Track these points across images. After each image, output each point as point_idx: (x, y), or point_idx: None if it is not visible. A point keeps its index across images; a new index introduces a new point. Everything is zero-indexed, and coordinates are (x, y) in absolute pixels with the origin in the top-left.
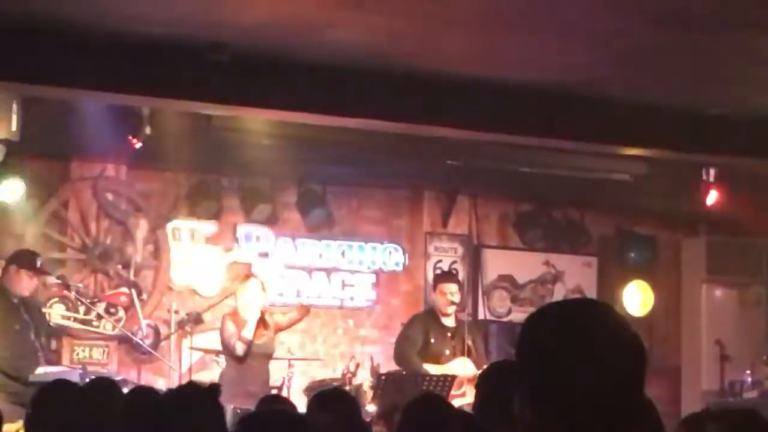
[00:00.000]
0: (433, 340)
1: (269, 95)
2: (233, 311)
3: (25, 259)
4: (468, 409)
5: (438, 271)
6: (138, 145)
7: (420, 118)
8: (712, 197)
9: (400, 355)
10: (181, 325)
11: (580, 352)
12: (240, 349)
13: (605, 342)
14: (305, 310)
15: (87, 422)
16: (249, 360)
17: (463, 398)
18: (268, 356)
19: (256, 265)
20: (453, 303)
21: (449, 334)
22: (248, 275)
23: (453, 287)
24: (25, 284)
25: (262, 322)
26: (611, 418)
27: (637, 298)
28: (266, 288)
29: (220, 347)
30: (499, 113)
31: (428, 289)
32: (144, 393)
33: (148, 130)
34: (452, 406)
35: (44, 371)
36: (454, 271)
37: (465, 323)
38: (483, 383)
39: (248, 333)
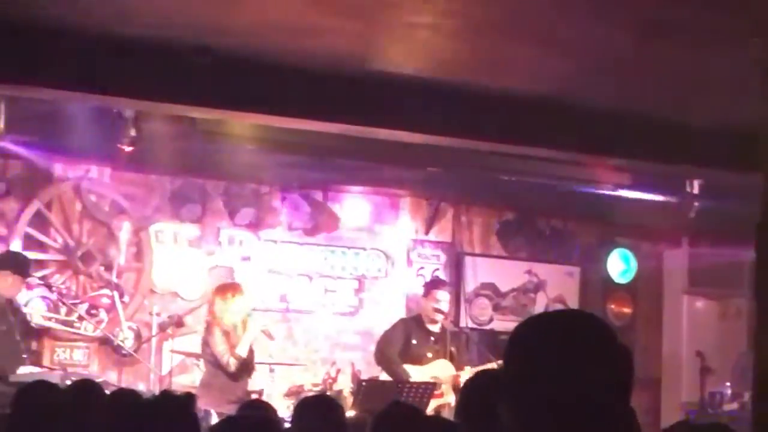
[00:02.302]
0: (414, 342)
1: (253, 99)
2: (217, 320)
3: (19, 265)
4: (446, 411)
5: (432, 277)
6: (128, 149)
7: (402, 125)
8: (695, 209)
9: (379, 353)
10: (162, 327)
11: (567, 362)
12: (233, 366)
13: (592, 353)
14: (268, 336)
15: (68, 424)
16: (233, 380)
17: (442, 398)
18: (249, 373)
19: (239, 269)
20: (441, 311)
21: (432, 339)
22: (236, 287)
23: (445, 295)
24: (15, 288)
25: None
26: (596, 427)
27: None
28: (249, 303)
29: (200, 350)
30: (483, 121)
31: (410, 297)
32: (125, 396)
33: (132, 132)
34: (425, 415)
35: (25, 372)
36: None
37: (448, 331)
38: (466, 390)
39: (243, 351)
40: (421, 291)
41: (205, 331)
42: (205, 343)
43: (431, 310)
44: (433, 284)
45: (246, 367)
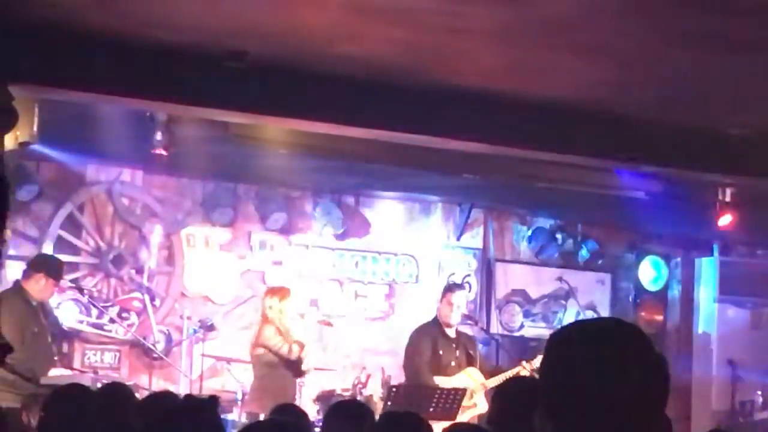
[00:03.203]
0: (441, 351)
1: (287, 104)
2: (270, 320)
3: (53, 269)
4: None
5: (448, 282)
6: (161, 153)
7: (437, 131)
8: (727, 218)
9: (409, 367)
10: (193, 331)
11: (604, 371)
12: (296, 351)
13: (628, 362)
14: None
15: (100, 426)
16: (282, 370)
17: (475, 409)
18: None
19: (270, 273)
20: (458, 314)
21: (453, 345)
22: (288, 290)
23: (460, 298)
24: (48, 291)
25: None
26: None
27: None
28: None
29: (230, 354)
30: (516, 128)
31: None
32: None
33: (165, 136)
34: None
35: (56, 374)
36: (466, 284)
37: (465, 335)
38: (500, 398)
39: (302, 337)
40: None
41: (256, 334)
42: (257, 344)
43: (448, 313)
44: (449, 288)
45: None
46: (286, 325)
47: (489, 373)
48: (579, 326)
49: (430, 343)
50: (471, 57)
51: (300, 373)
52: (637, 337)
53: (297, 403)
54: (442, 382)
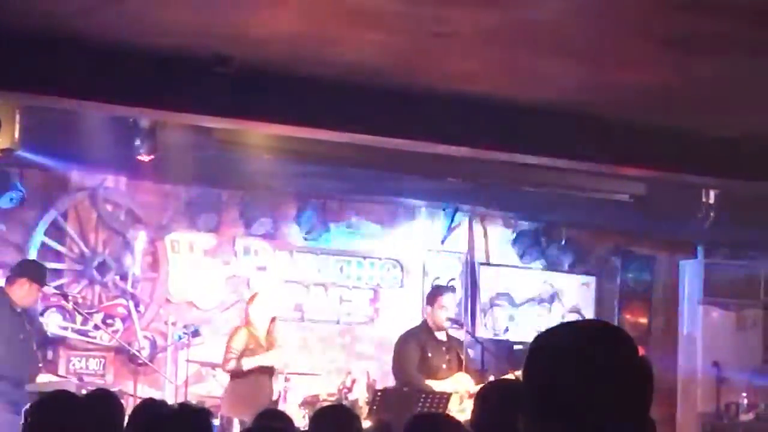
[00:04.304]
0: (430, 354)
1: (272, 109)
2: (245, 323)
3: (36, 273)
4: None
5: (433, 286)
6: (145, 159)
7: (420, 135)
8: (711, 219)
9: (399, 371)
10: (178, 337)
11: (588, 373)
12: (229, 365)
13: (613, 364)
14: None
15: None
16: (255, 374)
17: (463, 414)
18: (273, 370)
19: (254, 278)
20: (450, 317)
21: (444, 348)
22: (255, 294)
23: (450, 300)
24: (32, 296)
25: (269, 338)
26: None
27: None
28: (272, 300)
29: (216, 360)
30: (500, 131)
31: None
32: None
33: (149, 142)
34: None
35: (41, 381)
36: (451, 287)
37: (456, 339)
38: (482, 400)
39: (269, 340)
40: None
41: (231, 336)
42: (229, 348)
43: (441, 317)
44: (437, 291)
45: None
46: (254, 328)
47: (478, 378)
48: (563, 328)
49: (418, 348)
50: (454, 61)
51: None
52: (620, 339)
53: (282, 408)
54: (433, 385)
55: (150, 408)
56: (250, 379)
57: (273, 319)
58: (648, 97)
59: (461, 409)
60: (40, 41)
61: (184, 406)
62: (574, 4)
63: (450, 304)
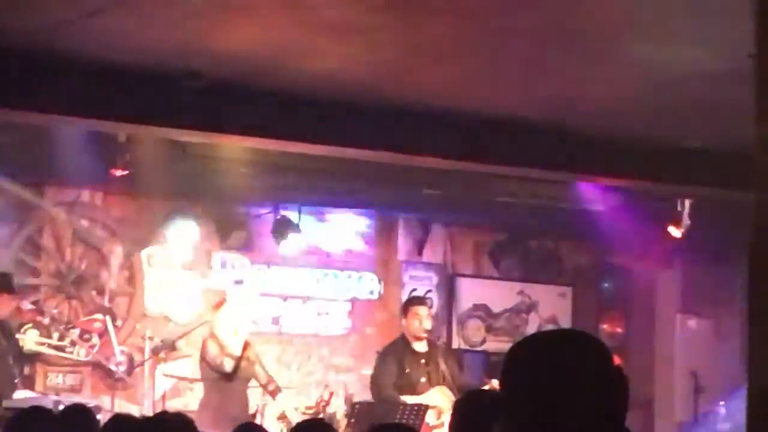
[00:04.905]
0: (408, 369)
1: (245, 123)
2: (212, 335)
3: (3, 281)
4: None
5: (408, 296)
6: (120, 173)
7: (397, 147)
8: (687, 229)
9: (375, 390)
10: (155, 351)
11: (563, 383)
12: (228, 365)
13: (588, 374)
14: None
15: None
16: (231, 383)
17: (442, 429)
18: (248, 380)
19: (231, 292)
20: (425, 327)
21: (423, 361)
22: (221, 301)
23: (424, 310)
24: (4, 307)
25: (244, 347)
26: None
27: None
28: (241, 310)
29: (193, 374)
30: (476, 143)
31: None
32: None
33: (124, 157)
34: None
35: (18, 397)
36: (428, 299)
37: (438, 348)
38: (458, 411)
39: (236, 350)
40: None
41: (201, 347)
42: (202, 359)
43: (416, 327)
44: (411, 302)
45: (241, 367)
46: (224, 336)
47: (459, 391)
48: (539, 337)
49: (395, 364)
50: (427, 73)
51: (231, 380)
52: (596, 348)
53: (259, 422)
54: (409, 401)
55: (120, 422)
56: (222, 389)
57: (246, 345)
58: (619, 107)
59: (440, 423)
60: (14, 57)
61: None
62: (546, 17)
63: (424, 314)
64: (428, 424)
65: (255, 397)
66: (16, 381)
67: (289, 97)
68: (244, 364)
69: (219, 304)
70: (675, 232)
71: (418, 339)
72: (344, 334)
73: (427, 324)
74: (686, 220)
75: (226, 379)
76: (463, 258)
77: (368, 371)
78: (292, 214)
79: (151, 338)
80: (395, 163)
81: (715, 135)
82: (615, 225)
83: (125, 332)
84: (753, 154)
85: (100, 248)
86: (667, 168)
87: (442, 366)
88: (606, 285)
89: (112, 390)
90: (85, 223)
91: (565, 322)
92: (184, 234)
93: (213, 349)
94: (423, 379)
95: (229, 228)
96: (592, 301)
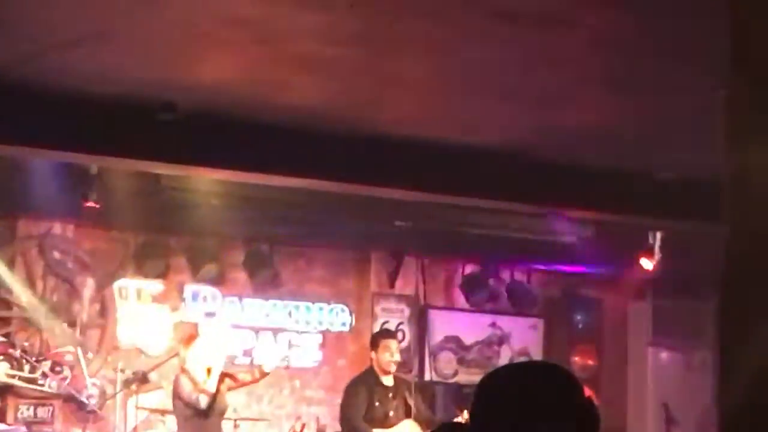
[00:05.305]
0: (377, 403)
1: (219, 155)
2: (184, 370)
3: None
4: None
5: (379, 330)
6: (92, 205)
7: (369, 180)
8: (658, 261)
9: (345, 421)
10: (126, 384)
11: (531, 414)
12: (203, 402)
13: (557, 406)
14: (262, 375)
15: None
16: (204, 418)
17: None
18: (222, 414)
19: (203, 324)
20: (394, 360)
21: (390, 395)
22: (192, 335)
23: (394, 344)
24: None
25: (220, 380)
26: None
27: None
28: (214, 345)
29: (165, 406)
30: (447, 175)
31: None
32: None
33: (96, 189)
34: None
35: None
36: (399, 332)
37: (405, 382)
38: None
39: (211, 386)
40: None
41: (174, 383)
42: (175, 395)
43: (385, 360)
44: (380, 334)
45: (216, 404)
46: (196, 371)
47: (426, 425)
48: (509, 369)
49: (365, 396)
50: (400, 105)
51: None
52: (566, 379)
53: None
54: None
55: None
56: (200, 424)
57: (222, 378)
58: (590, 137)
59: None
60: None
61: None
62: (518, 48)
63: (394, 347)
64: None
65: (227, 429)
66: None
67: (262, 129)
68: (219, 397)
69: (190, 339)
70: (647, 264)
71: (386, 373)
72: (316, 366)
73: (397, 357)
74: (657, 253)
75: (201, 416)
76: (434, 289)
77: (339, 403)
78: (264, 247)
79: (122, 370)
80: (367, 195)
81: (687, 166)
82: (586, 257)
83: (97, 364)
84: (723, 185)
85: (72, 280)
86: (638, 200)
87: (410, 400)
88: (578, 317)
89: (84, 422)
90: (56, 255)
91: (537, 354)
92: (155, 266)
93: (186, 386)
94: (391, 413)
95: (201, 260)
96: (564, 333)
